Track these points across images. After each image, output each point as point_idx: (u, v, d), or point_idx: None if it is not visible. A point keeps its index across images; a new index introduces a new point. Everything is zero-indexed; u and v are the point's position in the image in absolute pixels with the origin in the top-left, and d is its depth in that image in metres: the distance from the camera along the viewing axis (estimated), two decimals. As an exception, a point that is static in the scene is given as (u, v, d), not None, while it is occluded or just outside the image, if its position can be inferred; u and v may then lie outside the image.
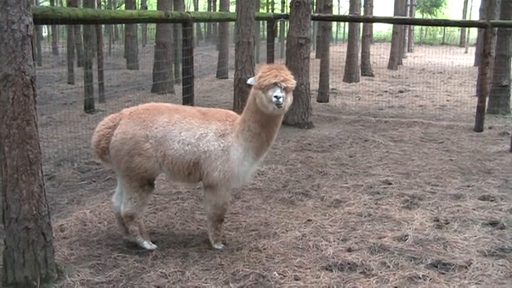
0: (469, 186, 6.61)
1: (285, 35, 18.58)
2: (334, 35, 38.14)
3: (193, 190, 6.26)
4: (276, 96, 4.20)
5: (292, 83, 4.33)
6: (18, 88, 3.60)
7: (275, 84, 4.24)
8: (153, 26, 21.89)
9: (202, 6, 52.34)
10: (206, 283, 4.08)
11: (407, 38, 31.63)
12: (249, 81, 4.53)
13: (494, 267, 4.40)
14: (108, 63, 20.01)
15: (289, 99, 4.37)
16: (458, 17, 48.97)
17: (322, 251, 4.68)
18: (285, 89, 4.27)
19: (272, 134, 4.55)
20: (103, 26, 19.68)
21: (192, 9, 46.31)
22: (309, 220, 5.45)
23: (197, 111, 4.72)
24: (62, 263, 4.25)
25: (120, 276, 4.19)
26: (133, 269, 4.31)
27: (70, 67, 16.17)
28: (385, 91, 16.12)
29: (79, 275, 4.13)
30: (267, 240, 4.86)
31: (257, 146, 4.52)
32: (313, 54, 18.02)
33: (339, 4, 48.62)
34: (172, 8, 15.61)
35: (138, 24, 25.31)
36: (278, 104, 4.22)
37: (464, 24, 23.65)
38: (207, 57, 25.32)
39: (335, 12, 37.41)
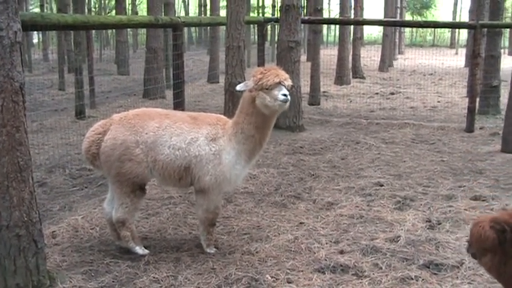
0: (460, 186, 6.64)
1: (276, 38, 18.62)
2: (324, 38, 38.30)
3: (185, 195, 6.25)
4: (284, 94, 4.34)
5: (290, 81, 4.50)
6: (7, 95, 3.58)
7: (279, 83, 4.34)
8: (143, 31, 21.87)
9: (193, 10, 52.34)
10: (199, 287, 4.08)
11: (397, 40, 31.73)
12: (238, 87, 4.54)
13: (486, 266, 4.41)
14: (98, 69, 19.95)
15: None
16: (448, 18, 49.19)
17: (314, 253, 4.69)
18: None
19: (265, 136, 4.59)
20: (93, 31, 19.61)
21: (182, 13, 46.32)
22: (301, 223, 5.46)
23: (187, 116, 4.73)
24: (53, 270, 4.23)
25: (113, 281, 4.18)
26: (125, 274, 4.30)
27: (61, 73, 16.09)
28: (376, 93, 16.17)
29: (71, 282, 4.12)
30: (260, 244, 4.87)
31: (250, 149, 4.55)
32: (304, 58, 18.07)
33: (329, 7, 48.68)
34: (163, 13, 15.59)
35: (129, 29, 25.34)
36: (286, 101, 4.37)
37: (453, 26, 23.86)
38: (198, 61, 25.30)
39: (325, 15, 37.50)
